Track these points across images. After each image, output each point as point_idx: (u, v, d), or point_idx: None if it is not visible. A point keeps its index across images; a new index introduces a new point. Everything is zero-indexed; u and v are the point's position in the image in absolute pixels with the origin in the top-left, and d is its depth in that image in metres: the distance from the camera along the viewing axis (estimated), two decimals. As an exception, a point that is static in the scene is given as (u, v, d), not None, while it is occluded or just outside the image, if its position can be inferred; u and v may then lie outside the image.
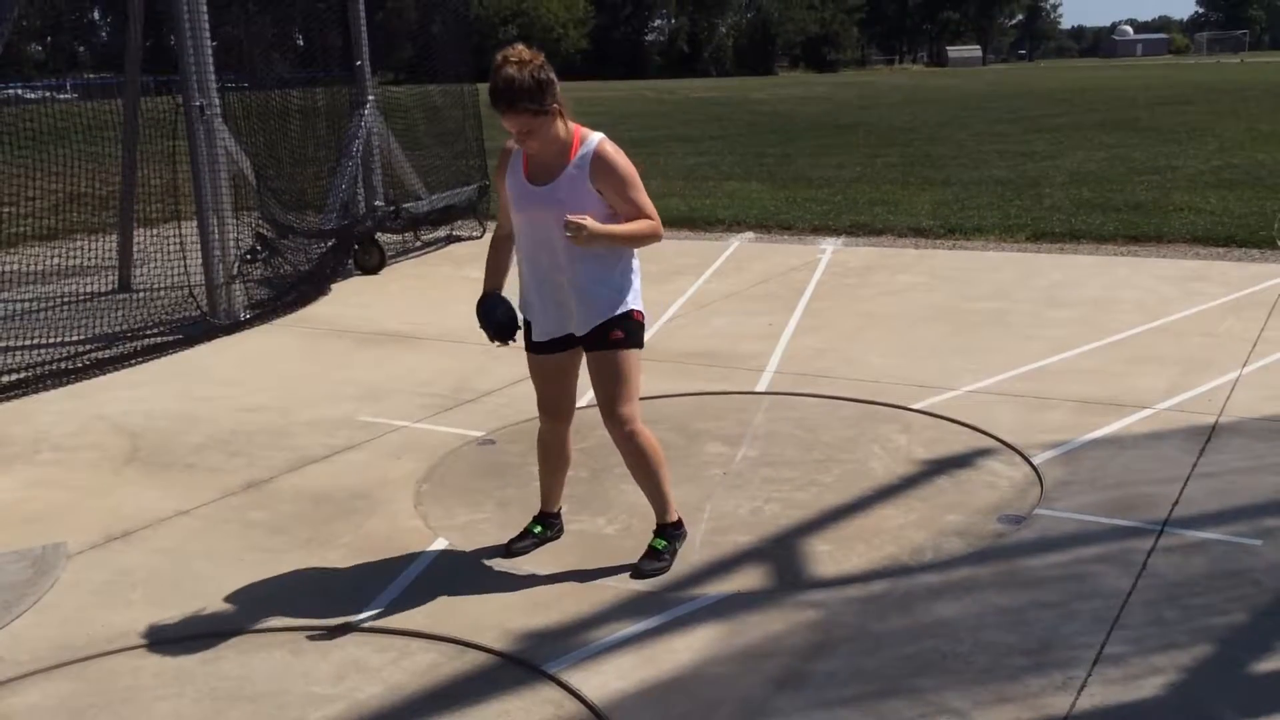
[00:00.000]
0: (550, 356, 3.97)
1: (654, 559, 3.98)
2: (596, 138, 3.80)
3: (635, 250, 3.91)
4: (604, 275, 3.80)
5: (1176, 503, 4.38)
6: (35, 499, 4.90)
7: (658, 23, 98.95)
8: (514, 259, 4.00)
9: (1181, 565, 3.88)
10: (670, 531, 4.06)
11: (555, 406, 4.07)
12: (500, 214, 4.02)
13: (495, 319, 3.94)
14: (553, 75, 3.67)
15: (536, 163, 3.80)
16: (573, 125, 3.79)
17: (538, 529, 4.24)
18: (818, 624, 3.59)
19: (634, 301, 3.88)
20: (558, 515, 4.30)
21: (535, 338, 3.94)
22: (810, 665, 3.34)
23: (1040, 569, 3.90)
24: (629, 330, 3.86)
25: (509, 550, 4.15)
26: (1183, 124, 21.90)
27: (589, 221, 3.62)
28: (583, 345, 3.91)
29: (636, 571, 3.95)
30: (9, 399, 6.35)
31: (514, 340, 3.96)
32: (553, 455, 4.18)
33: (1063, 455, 4.93)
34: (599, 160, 3.75)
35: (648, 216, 3.81)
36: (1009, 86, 42.21)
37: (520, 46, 3.69)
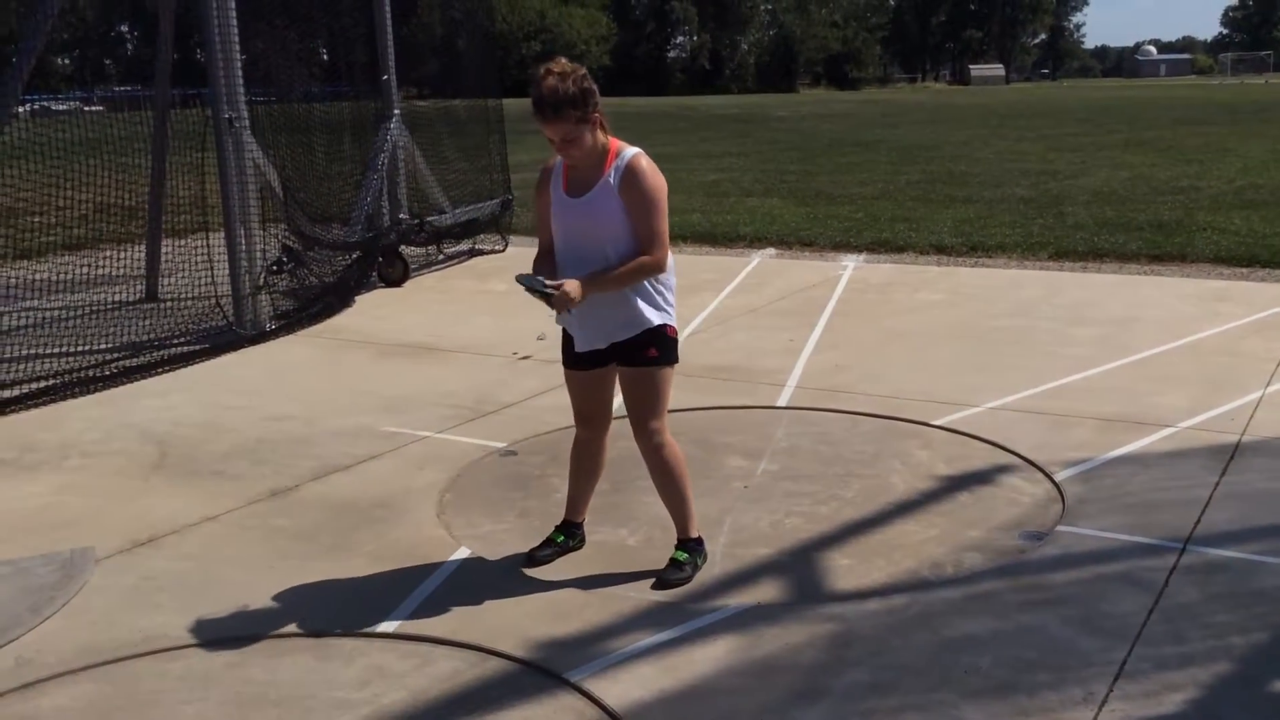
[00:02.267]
0: (587, 372, 4.01)
1: (676, 570, 4.01)
2: (633, 151, 3.85)
3: (672, 263, 3.94)
4: (639, 287, 3.84)
5: (1198, 521, 4.38)
6: (64, 504, 4.96)
7: (680, 40, 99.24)
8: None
9: (1203, 584, 3.87)
10: (691, 545, 4.08)
11: (592, 417, 4.11)
12: (539, 230, 4.05)
13: (531, 282, 3.82)
14: (594, 86, 3.74)
15: (575, 175, 3.86)
16: (610, 139, 3.84)
17: (560, 538, 4.26)
18: (837, 637, 3.60)
19: (669, 318, 3.92)
20: (581, 525, 4.33)
21: (576, 348, 3.96)
22: (829, 678, 3.36)
23: (1061, 585, 3.91)
24: (663, 347, 3.90)
25: (531, 559, 4.18)
26: (1206, 144, 21.83)
27: (568, 284, 3.66)
28: (617, 360, 3.94)
29: (659, 582, 3.97)
30: (38, 406, 6.43)
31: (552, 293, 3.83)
32: (586, 463, 4.20)
33: (1084, 473, 4.93)
34: (630, 172, 3.79)
35: (653, 245, 3.80)
36: (1031, 105, 42.15)
37: (562, 59, 3.76)
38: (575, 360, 4.01)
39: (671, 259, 3.94)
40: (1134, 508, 4.54)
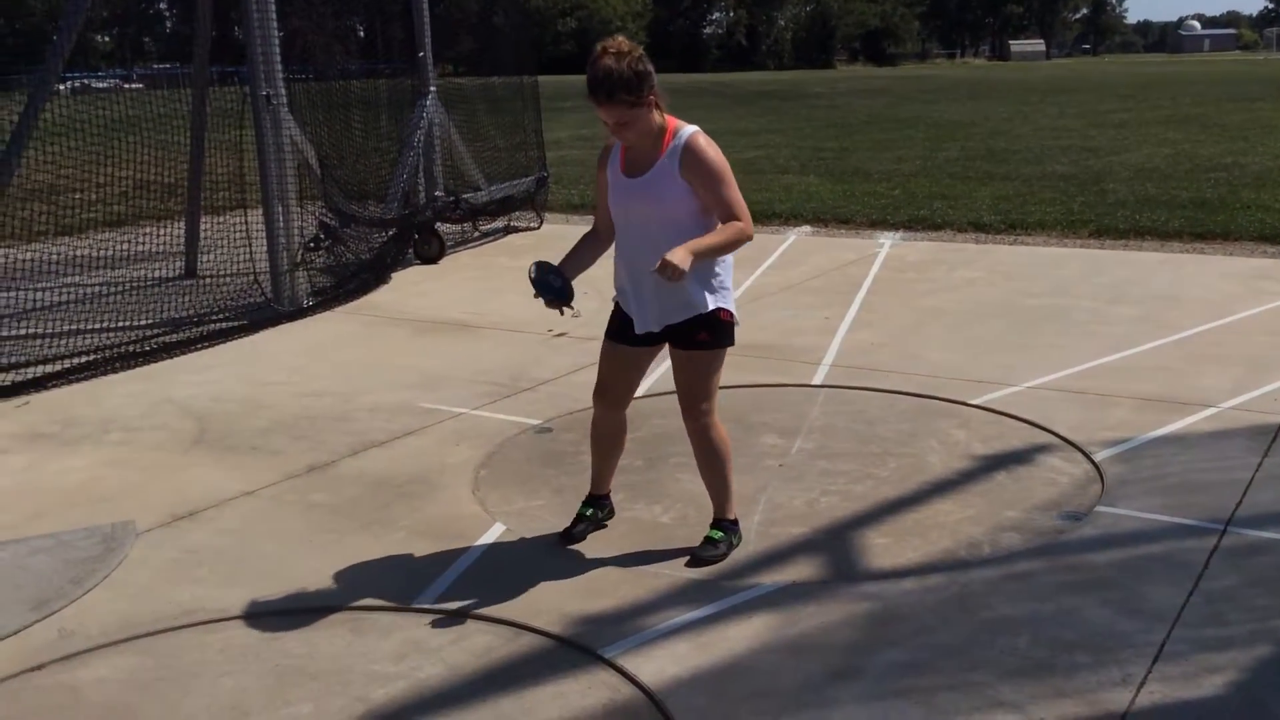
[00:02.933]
0: (632, 349, 3.98)
1: (711, 547, 4.01)
2: (690, 130, 3.81)
3: None
4: (696, 271, 3.74)
5: (1240, 503, 4.32)
6: (105, 479, 5.02)
7: (716, 16, 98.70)
8: (601, 253, 4.06)
9: (1244, 565, 3.83)
10: (727, 525, 4.08)
11: (616, 395, 4.09)
12: (598, 209, 4.04)
13: (550, 284, 3.84)
14: (650, 68, 3.70)
15: (632, 155, 3.83)
16: (667, 117, 3.81)
17: (589, 511, 4.27)
18: (873, 616, 3.59)
19: (724, 300, 3.89)
20: (607, 496, 4.34)
21: (637, 330, 3.92)
22: (865, 657, 3.35)
23: (1100, 566, 3.87)
24: (716, 331, 3.87)
25: (568, 537, 4.19)
26: (1251, 120, 21.48)
27: (673, 256, 3.53)
28: (670, 341, 3.92)
29: (694, 559, 3.98)
30: (80, 381, 6.51)
31: (570, 309, 3.86)
32: (606, 441, 4.20)
33: (1124, 453, 4.88)
34: (689, 153, 3.76)
35: (735, 215, 3.75)
36: (1072, 81, 41.60)
37: (620, 38, 3.74)
38: (626, 335, 3.97)
39: None
40: (1174, 488, 4.49)
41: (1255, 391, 5.61)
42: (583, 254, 4.05)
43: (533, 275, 3.84)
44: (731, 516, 4.10)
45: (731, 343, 3.95)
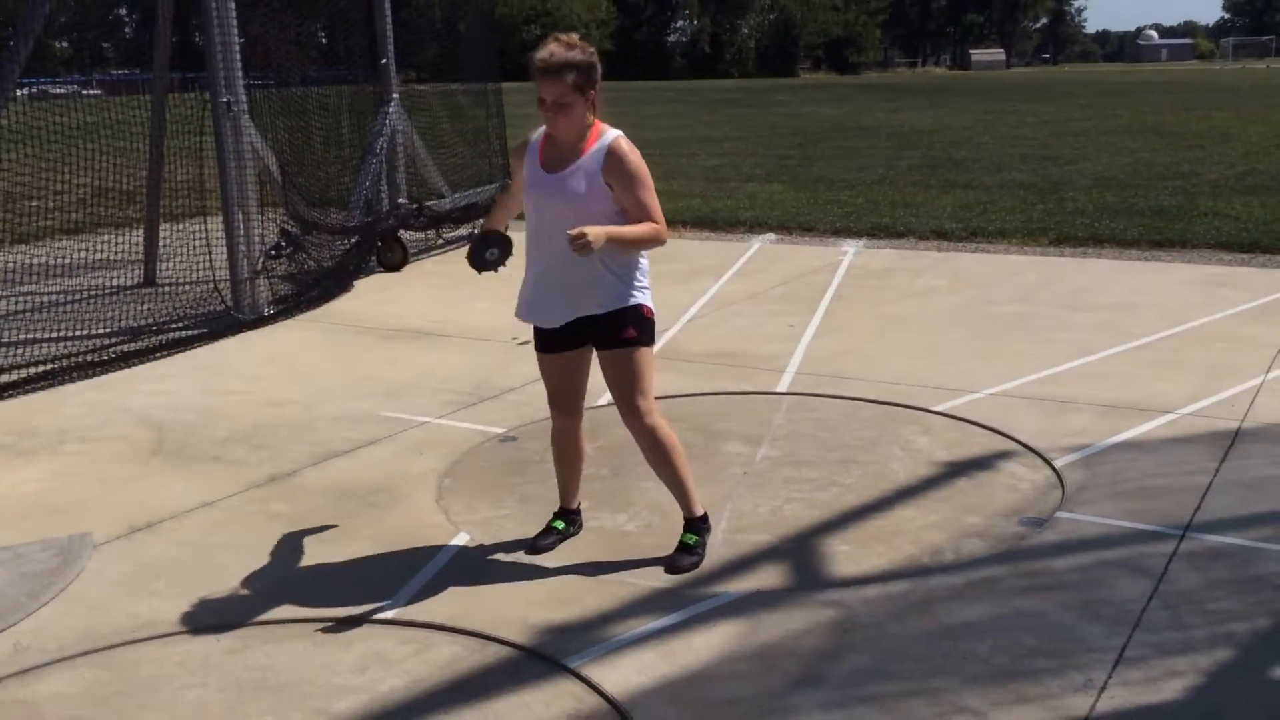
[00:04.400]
0: (561, 355, 4.00)
1: (687, 553, 4.00)
2: (614, 133, 3.85)
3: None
4: (617, 267, 3.83)
5: (1198, 508, 4.37)
6: (61, 490, 4.95)
7: (680, 24, 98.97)
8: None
9: (1203, 570, 3.87)
10: (698, 525, 4.08)
11: (566, 403, 4.09)
12: (514, 174, 4.03)
13: (486, 260, 3.93)
14: (598, 66, 3.77)
15: (552, 151, 3.85)
16: (596, 121, 3.84)
17: (559, 524, 4.26)
18: (837, 623, 3.59)
19: (643, 296, 3.91)
20: (578, 511, 4.33)
21: (544, 325, 3.95)
22: (829, 664, 3.35)
23: (1061, 571, 3.90)
24: (641, 327, 3.89)
25: (534, 547, 4.17)
26: (1208, 129, 21.77)
27: (590, 230, 3.61)
28: (595, 344, 3.94)
29: (671, 566, 3.97)
30: (36, 390, 6.42)
31: (502, 267, 3.94)
32: (566, 452, 4.20)
33: (1084, 459, 4.92)
34: (613, 155, 3.78)
35: (653, 219, 3.82)
36: (1033, 90, 42.03)
37: (575, 35, 3.79)
38: (548, 344, 4.00)
39: None
40: (1134, 494, 4.53)
41: (1213, 397, 5.68)
42: (505, 206, 4.12)
43: (473, 262, 3.94)
44: (700, 512, 4.09)
45: (653, 340, 3.96)
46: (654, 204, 3.84)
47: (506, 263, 3.94)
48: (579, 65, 3.69)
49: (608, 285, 3.83)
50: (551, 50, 3.69)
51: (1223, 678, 3.22)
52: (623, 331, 3.86)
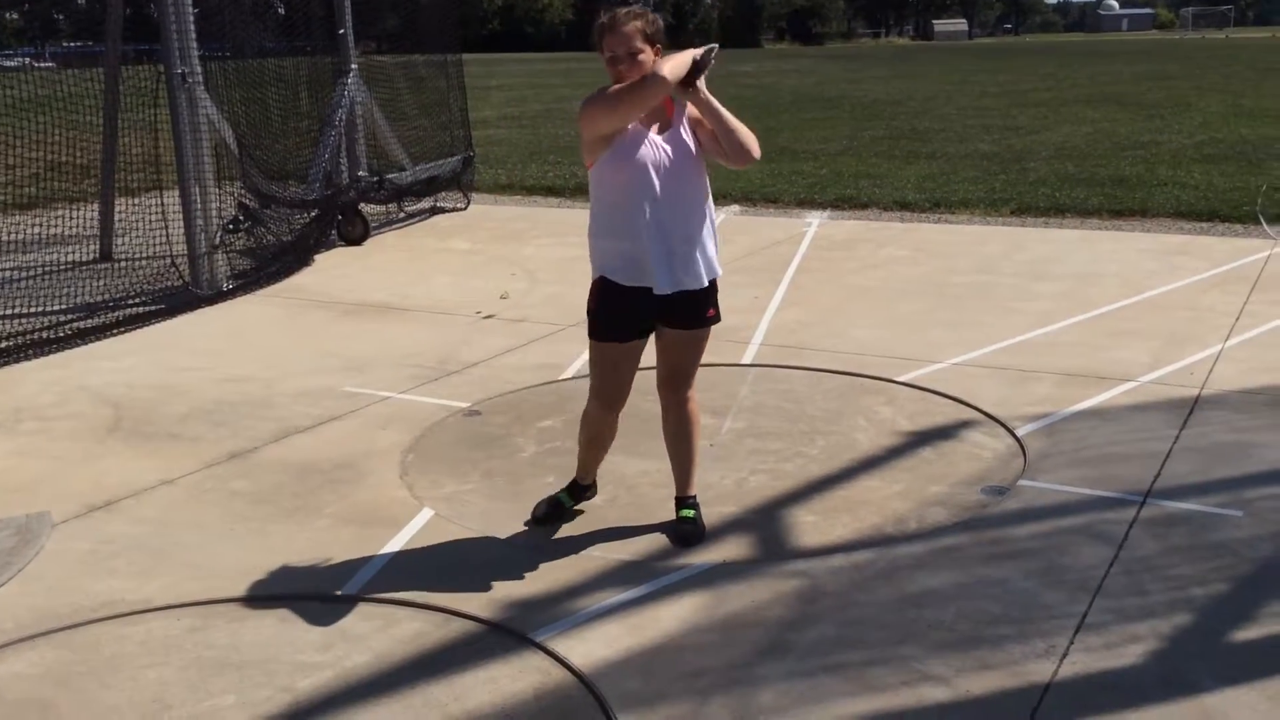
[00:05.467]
0: (632, 344, 3.86)
1: (691, 525, 4.02)
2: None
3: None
4: (711, 228, 3.84)
5: (1158, 475, 4.41)
6: (18, 469, 4.88)
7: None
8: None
9: (1163, 536, 3.91)
10: (693, 501, 4.09)
11: (621, 396, 3.97)
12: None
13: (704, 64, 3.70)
14: (661, 24, 3.73)
15: (648, 119, 3.74)
16: None
17: (569, 501, 4.24)
18: (802, 593, 3.61)
19: (719, 269, 3.92)
20: (593, 484, 4.31)
21: (657, 289, 3.72)
22: (794, 634, 3.36)
23: (1023, 539, 3.93)
24: (718, 305, 3.91)
25: (534, 519, 4.17)
26: (1167, 99, 21.93)
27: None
28: (673, 324, 3.84)
29: (679, 538, 3.98)
30: (-10, 369, 6.31)
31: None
32: (604, 438, 4.12)
33: (1046, 427, 4.96)
34: (687, 106, 3.77)
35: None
36: (995, 61, 42.15)
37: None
38: (628, 331, 3.83)
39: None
40: (1094, 461, 4.57)
41: (1173, 365, 5.73)
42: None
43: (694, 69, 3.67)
44: (694, 491, 4.11)
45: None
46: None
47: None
48: (645, 17, 3.67)
49: (709, 250, 3.81)
50: (615, 12, 3.66)
51: (1182, 642, 3.26)
52: (708, 309, 3.86)
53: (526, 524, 4.15)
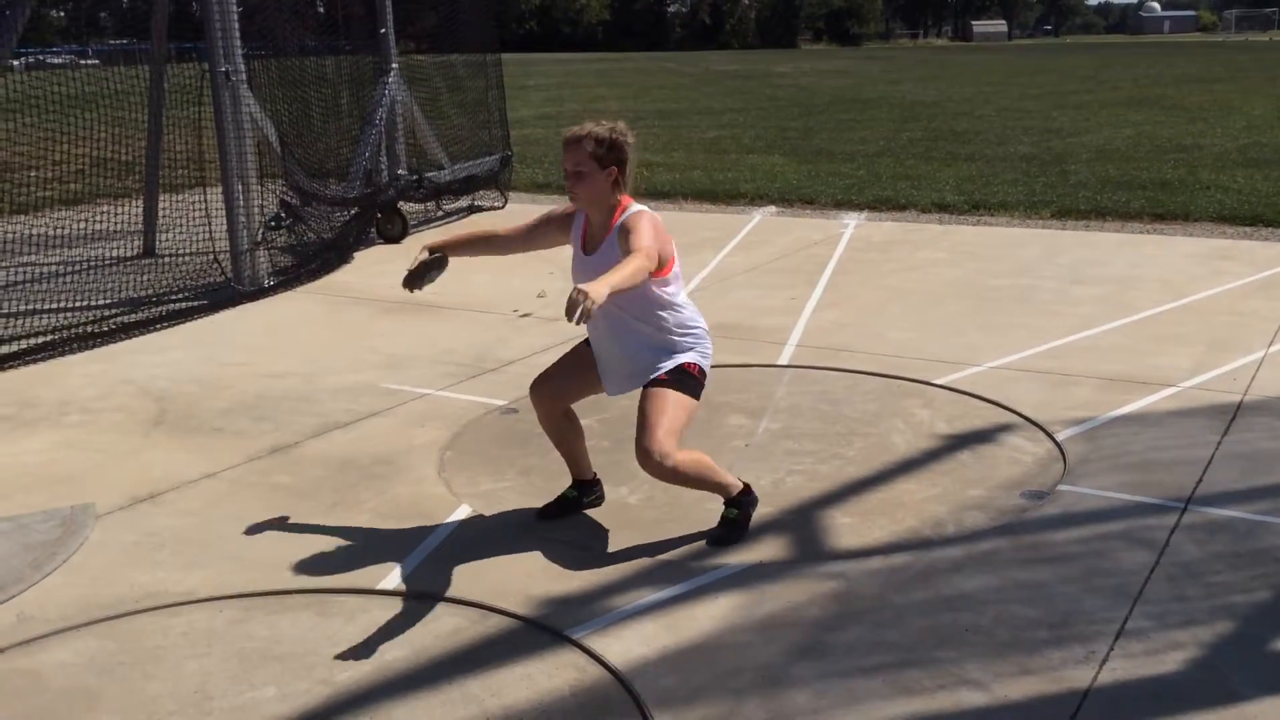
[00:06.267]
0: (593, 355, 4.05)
1: (729, 527, 4.01)
2: (638, 208, 3.83)
3: (693, 312, 3.93)
4: (662, 338, 3.87)
5: (1200, 480, 4.37)
6: (63, 460, 4.95)
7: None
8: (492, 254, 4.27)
9: (1204, 542, 3.87)
10: (740, 499, 4.04)
11: (549, 385, 4.06)
12: (520, 227, 4.08)
13: (423, 276, 4.01)
14: (629, 149, 3.81)
15: (590, 232, 3.89)
16: (624, 197, 3.84)
17: (572, 494, 4.26)
18: (838, 595, 3.60)
19: (689, 356, 3.88)
20: (594, 481, 4.31)
21: (609, 393, 4.05)
22: (830, 635, 3.36)
23: (1062, 544, 3.91)
24: (678, 375, 3.83)
25: (543, 514, 4.20)
26: (1210, 102, 21.69)
27: (587, 289, 3.30)
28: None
29: (715, 539, 3.98)
30: (37, 361, 6.41)
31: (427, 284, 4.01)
32: (555, 432, 4.15)
33: (1086, 432, 4.92)
34: (623, 226, 3.77)
35: (634, 247, 3.62)
36: (1034, 62, 41.83)
37: (619, 122, 3.85)
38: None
39: (691, 304, 3.95)
40: (1135, 467, 4.53)
41: (1215, 371, 5.67)
42: (475, 244, 4.23)
43: (409, 280, 4.00)
44: (738, 490, 4.04)
45: (695, 396, 3.87)
46: (644, 240, 3.65)
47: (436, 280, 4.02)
48: (598, 137, 3.73)
49: (644, 358, 3.86)
50: (572, 129, 3.79)
51: (1223, 650, 3.23)
52: (660, 374, 3.83)
53: (536, 516, 4.19)
